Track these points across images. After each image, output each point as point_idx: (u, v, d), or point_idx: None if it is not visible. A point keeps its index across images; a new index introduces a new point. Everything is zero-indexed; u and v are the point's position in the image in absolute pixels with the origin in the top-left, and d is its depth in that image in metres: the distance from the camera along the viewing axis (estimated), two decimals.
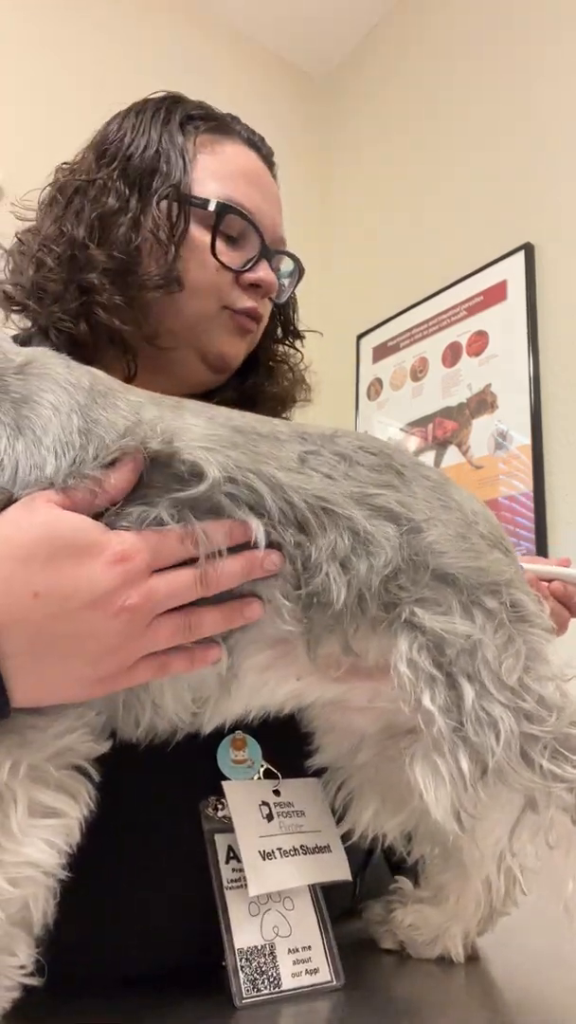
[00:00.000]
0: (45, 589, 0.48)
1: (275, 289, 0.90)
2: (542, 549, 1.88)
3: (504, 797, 0.58)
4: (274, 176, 0.94)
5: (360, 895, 0.79)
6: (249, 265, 0.87)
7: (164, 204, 0.82)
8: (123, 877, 0.66)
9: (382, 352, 2.52)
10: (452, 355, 2.26)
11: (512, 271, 2.12)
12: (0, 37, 2.26)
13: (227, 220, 0.85)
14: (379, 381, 2.51)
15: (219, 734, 0.67)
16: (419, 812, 0.63)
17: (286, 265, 0.96)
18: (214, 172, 0.86)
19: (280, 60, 2.90)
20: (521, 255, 2.10)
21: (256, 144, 0.92)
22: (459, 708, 0.56)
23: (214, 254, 0.84)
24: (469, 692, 0.56)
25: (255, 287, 0.88)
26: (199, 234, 0.84)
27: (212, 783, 0.68)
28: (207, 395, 0.91)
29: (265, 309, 0.92)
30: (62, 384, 0.57)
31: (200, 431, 0.58)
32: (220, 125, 0.90)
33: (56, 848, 0.50)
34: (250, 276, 0.87)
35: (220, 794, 0.68)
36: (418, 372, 2.36)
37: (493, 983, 0.70)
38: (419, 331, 2.39)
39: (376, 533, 0.59)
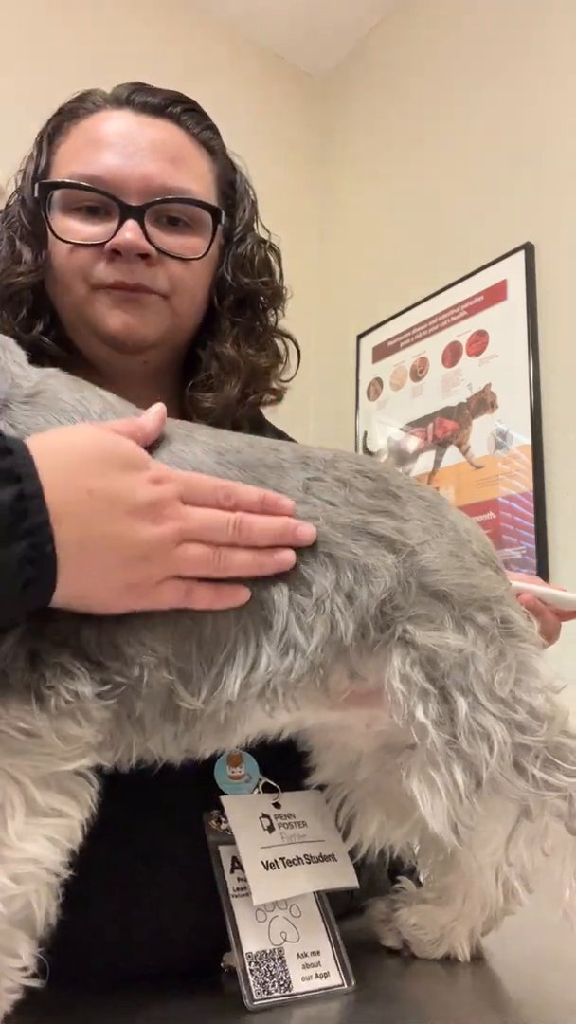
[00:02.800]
0: (98, 489, 0.52)
1: (140, 248, 0.80)
2: (542, 549, 1.89)
3: (499, 807, 0.59)
4: (177, 121, 0.86)
5: (357, 896, 0.80)
6: (112, 235, 0.79)
7: (26, 209, 0.85)
8: (127, 882, 0.67)
9: (382, 352, 2.52)
10: (452, 355, 2.26)
11: (512, 271, 2.13)
12: (1, 36, 2.27)
13: (73, 196, 0.81)
14: (379, 381, 2.52)
15: None
16: (423, 821, 0.64)
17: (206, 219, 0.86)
18: (64, 157, 0.84)
19: (280, 60, 2.90)
20: (521, 255, 2.10)
21: (126, 100, 0.85)
22: (452, 721, 0.57)
23: (55, 235, 0.81)
24: (462, 705, 0.57)
25: (118, 254, 0.80)
26: (54, 222, 0.82)
27: (215, 795, 0.70)
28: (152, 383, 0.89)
29: (156, 273, 0.82)
30: (70, 416, 0.59)
31: (210, 473, 0.60)
32: (83, 106, 0.86)
33: (58, 846, 0.51)
34: (108, 244, 0.80)
35: (223, 806, 0.69)
36: (418, 372, 2.37)
37: (499, 983, 0.71)
38: (419, 331, 2.39)
39: (377, 565, 0.60)
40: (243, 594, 0.57)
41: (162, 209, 0.82)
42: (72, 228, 0.81)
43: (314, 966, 0.63)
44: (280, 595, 0.58)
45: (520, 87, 2.21)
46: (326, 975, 0.63)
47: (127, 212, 0.80)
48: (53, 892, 0.51)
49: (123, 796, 0.58)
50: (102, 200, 0.81)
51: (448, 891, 0.74)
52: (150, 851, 0.68)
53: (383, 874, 0.87)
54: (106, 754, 0.56)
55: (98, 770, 0.55)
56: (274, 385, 0.94)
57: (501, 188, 2.21)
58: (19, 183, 0.89)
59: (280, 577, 0.58)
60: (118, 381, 0.82)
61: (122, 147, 0.82)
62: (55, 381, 0.61)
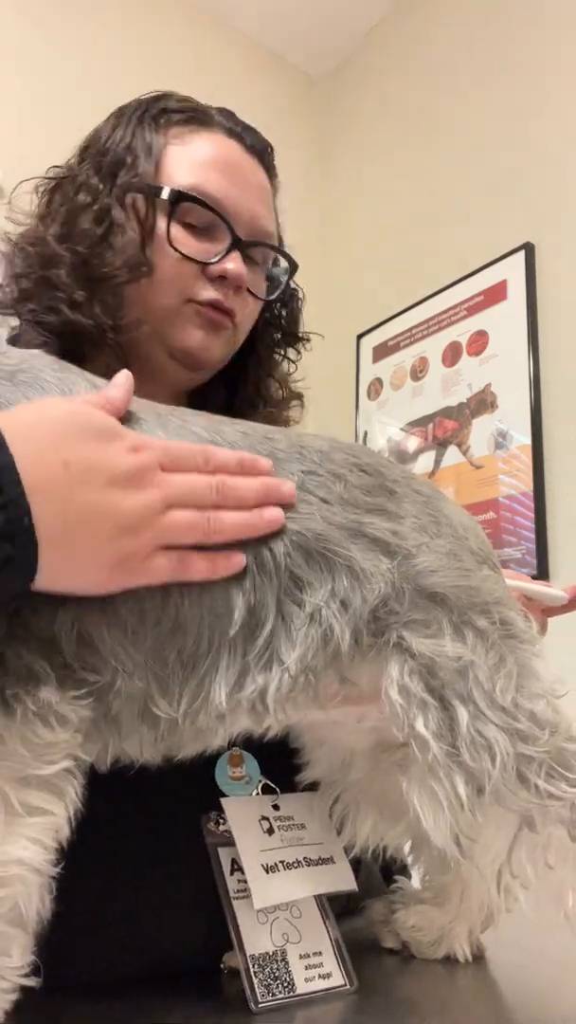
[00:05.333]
0: (75, 460, 0.50)
1: (243, 281, 0.85)
2: (542, 549, 1.90)
3: (500, 817, 0.57)
4: (269, 170, 0.91)
5: (354, 896, 0.80)
6: (217, 258, 0.83)
7: (130, 196, 0.82)
8: (123, 885, 0.66)
9: (382, 352, 2.53)
10: (452, 355, 2.27)
11: (512, 271, 2.13)
12: (1, 35, 2.27)
13: (191, 210, 0.83)
14: (379, 381, 2.52)
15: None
16: (418, 820, 0.63)
17: (281, 263, 0.93)
18: (182, 162, 0.84)
19: (280, 60, 2.90)
20: (521, 255, 2.11)
21: (239, 134, 0.88)
22: (453, 732, 0.55)
23: (171, 244, 0.82)
24: (463, 715, 0.55)
25: (222, 279, 0.84)
26: (163, 225, 0.82)
27: (213, 796, 0.69)
28: (196, 402, 0.90)
29: (241, 304, 0.87)
30: (51, 394, 0.57)
31: None
32: (196, 116, 0.87)
33: (43, 845, 0.49)
34: (215, 268, 0.83)
35: (221, 808, 0.68)
36: (418, 372, 2.37)
37: (498, 983, 0.70)
38: (419, 331, 2.40)
39: (372, 570, 0.58)
40: (239, 559, 0.55)
41: (255, 249, 0.88)
42: (184, 240, 0.83)
43: (316, 967, 0.63)
44: (272, 600, 0.56)
45: (520, 87, 2.21)
46: (328, 975, 0.63)
47: (237, 243, 0.84)
48: (45, 890, 0.50)
49: (117, 797, 0.58)
50: (214, 222, 0.83)
51: (445, 890, 0.73)
52: (145, 853, 0.68)
53: (377, 873, 0.87)
54: (88, 747, 0.54)
55: (92, 769, 0.54)
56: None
57: (501, 188, 2.22)
58: (98, 144, 0.86)
59: (274, 581, 0.56)
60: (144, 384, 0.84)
61: (239, 180, 0.86)
62: (37, 361, 0.60)
